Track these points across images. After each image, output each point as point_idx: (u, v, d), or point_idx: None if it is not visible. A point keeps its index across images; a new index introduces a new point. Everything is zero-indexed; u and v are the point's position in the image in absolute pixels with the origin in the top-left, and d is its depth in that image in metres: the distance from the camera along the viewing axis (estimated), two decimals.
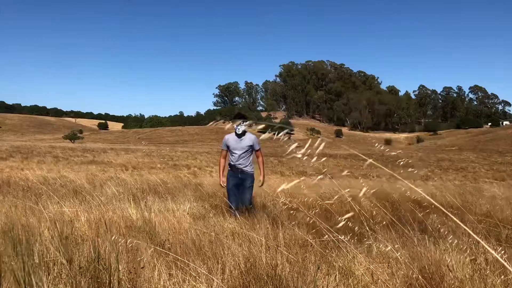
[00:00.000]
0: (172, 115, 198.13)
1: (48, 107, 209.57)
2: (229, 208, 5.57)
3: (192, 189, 8.72)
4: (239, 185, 5.89)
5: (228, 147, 5.98)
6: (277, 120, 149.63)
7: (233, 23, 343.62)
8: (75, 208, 5.04)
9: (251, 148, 5.94)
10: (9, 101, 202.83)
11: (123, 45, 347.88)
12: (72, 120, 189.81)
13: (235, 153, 5.91)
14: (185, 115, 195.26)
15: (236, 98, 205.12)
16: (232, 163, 5.96)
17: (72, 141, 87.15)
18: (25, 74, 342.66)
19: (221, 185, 6.10)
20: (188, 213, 5.21)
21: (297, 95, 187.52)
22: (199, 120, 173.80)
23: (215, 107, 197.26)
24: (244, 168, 5.90)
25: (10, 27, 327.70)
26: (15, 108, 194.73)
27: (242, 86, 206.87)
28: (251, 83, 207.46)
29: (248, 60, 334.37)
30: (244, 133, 5.93)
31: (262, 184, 5.97)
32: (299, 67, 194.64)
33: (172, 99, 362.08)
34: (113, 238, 2.81)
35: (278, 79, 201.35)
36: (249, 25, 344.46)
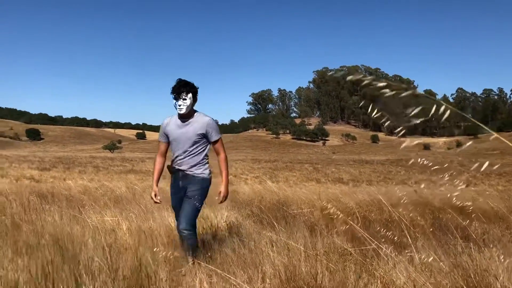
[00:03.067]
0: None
1: (88, 118, 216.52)
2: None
3: (228, 197, 8.78)
4: (181, 199, 3.73)
5: (167, 136, 3.79)
6: (311, 127, 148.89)
7: (264, 30, 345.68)
8: (117, 217, 5.17)
9: (204, 139, 3.69)
10: (52, 114, 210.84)
11: (158, 56, 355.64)
12: (111, 130, 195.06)
13: (177, 147, 3.70)
14: (220, 123, 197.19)
15: (270, 105, 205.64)
16: (172, 163, 3.76)
17: (111, 151, 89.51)
18: (66, 87, 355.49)
19: (152, 199, 3.81)
20: (225, 221, 5.25)
21: (331, 100, 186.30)
22: (233, 128, 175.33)
23: (248, 115, 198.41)
24: (188, 172, 3.66)
25: (47, 44, 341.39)
26: (57, 120, 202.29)
27: (275, 93, 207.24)
28: (284, 90, 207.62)
29: (280, 67, 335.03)
30: (191, 113, 3.69)
31: (223, 199, 3.74)
32: (333, 72, 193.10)
33: (207, 108, 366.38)
34: (155, 248, 2.87)
35: (311, 85, 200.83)
36: (281, 31, 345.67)
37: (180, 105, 3.60)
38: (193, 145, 3.67)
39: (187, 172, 3.66)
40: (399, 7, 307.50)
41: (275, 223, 4.62)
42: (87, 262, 2.81)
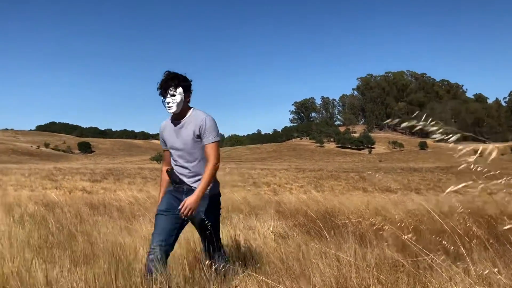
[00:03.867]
0: (250, 133, 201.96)
1: (136, 131, 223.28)
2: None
3: (274, 206, 8.77)
4: (177, 212, 2.93)
5: (165, 142, 3.23)
6: (356, 134, 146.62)
7: (307, 38, 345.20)
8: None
9: (198, 140, 3.02)
10: (102, 127, 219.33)
11: (202, 67, 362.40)
12: (158, 142, 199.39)
13: (175, 157, 3.12)
14: (263, 133, 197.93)
15: (313, 114, 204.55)
16: (173, 171, 3.14)
17: (159, 162, 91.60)
18: (114, 101, 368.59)
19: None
20: (272, 232, 5.25)
21: (376, 107, 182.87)
22: (276, 137, 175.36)
23: (291, 124, 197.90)
24: (192, 184, 3.04)
25: (96, 63, 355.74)
26: (106, 133, 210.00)
27: (318, 101, 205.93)
28: (327, 98, 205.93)
29: (323, 75, 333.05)
30: (184, 112, 3.07)
31: (184, 210, 2.86)
32: (378, 79, 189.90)
33: (250, 118, 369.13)
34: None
35: (355, 93, 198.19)
36: (323, 38, 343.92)
37: (169, 102, 2.96)
38: (192, 151, 3.00)
39: (192, 187, 3.00)
40: (445, 9, 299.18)
41: (323, 234, 4.57)
42: (140, 273, 2.89)
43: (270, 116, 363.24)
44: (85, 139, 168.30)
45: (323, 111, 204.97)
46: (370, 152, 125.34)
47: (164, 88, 2.98)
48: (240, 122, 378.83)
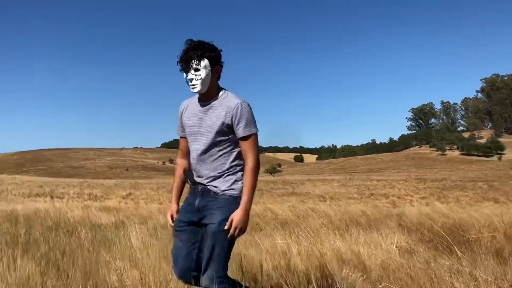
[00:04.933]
0: (364, 143, 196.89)
1: None
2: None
3: (394, 220, 8.41)
4: (197, 226, 2.39)
5: (183, 127, 2.53)
6: (483, 140, 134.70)
7: (420, 39, 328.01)
8: (286, 240, 5.35)
9: (228, 132, 2.34)
10: None
11: (313, 77, 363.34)
12: (271, 155, 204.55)
13: (194, 145, 2.42)
14: (377, 142, 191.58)
15: (432, 120, 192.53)
16: (191, 170, 2.49)
17: (272, 174, 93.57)
18: None
19: (168, 221, 2.58)
20: (396, 246, 5.03)
21: (505, 110, 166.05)
22: (392, 146, 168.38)
23: (409, 132, 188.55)
24: (209, 186, 2.37)
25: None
26: None
27: (437, 106, 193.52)
28: (448, 102, 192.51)
29: (440, 79, 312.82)
30: (213, 92, 2.39)
31: (233, 232, 2.24)
32: (505, 78, 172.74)
33: (363, 127, 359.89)
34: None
35: (479, 95, 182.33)
36: (438, 39, 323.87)
37: (191, 79, 2.31)
38: (215, 141, 2.33)
39: (208, 187, 2.35)
40: None
41: (452, 249, 4.26)
42: (266, 283, 2.97)
43: (385, 124, 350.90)
44: None
45: (444, 117, 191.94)
46: (499, 158, 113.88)
47: (185, 61, 2.32)
48: (353, 132, 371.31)
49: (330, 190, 38.52)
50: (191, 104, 2.48)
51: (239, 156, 2.37)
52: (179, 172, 2.57)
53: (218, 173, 2.33)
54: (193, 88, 2.32)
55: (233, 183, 2.33)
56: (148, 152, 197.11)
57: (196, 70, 2.29)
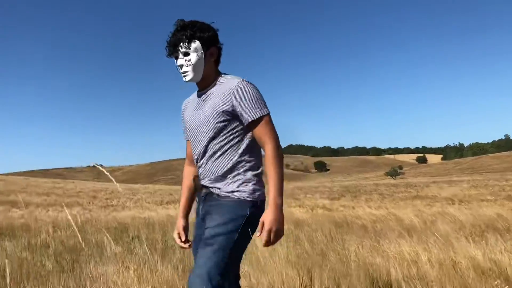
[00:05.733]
0: (496, 139, 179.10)
1: (368, 147, 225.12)
2: None
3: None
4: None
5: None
6: None
7: None
8: (414, 247, 5.10)
9: (236, 122, 1.91)
10: (334, 146, 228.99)
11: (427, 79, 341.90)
12: (391, 156, 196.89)
13: (194, 144, 2.02)
14: (491, 140, 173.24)
15: None
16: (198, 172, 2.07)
17: (393, 177, 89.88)
18: (348, 119, 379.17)
19: (175, 239, 2.14)
20: None
21: None
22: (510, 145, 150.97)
23: None
24: (212, 188, 1.94)
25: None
26: (339, 152, 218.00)
27: None
28: None
29: None
30: (209, 78, 1.98)
31: (267, 239, 1.77)
32: None
33: (494, 122, 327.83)
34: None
35: None
36: None
37: (181, 65, 1.92)
38: (215, 135, 1.91)
39: (211, 189, 1.95)
40: None
41: None
42: None
43: (500, 119, 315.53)
44: (320, 159, 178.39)
45: None
46: None
47: (172, 44, 1.92)
48: (482, 128, 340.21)
49: (459, 192, 35.65)
50: (191, 100, 2.12)
51: (249, 149, 1.92)
52: (186, 181, 2.19)
53: (223, 172, 1.90)
54: (184, 76, 1.93)
55: (241, 184, 1.88)
56: None
57: (186, 54, 1.90)
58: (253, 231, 1.87)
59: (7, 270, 2.62)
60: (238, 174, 1.89)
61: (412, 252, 4.79)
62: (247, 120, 1.86)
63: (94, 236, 7.23)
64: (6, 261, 2.89)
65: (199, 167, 1.99)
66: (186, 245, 2.09)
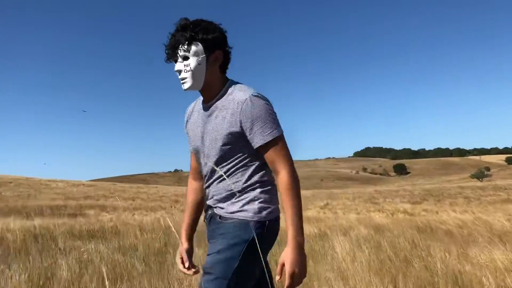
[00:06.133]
0: None
1: (451, 148, 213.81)
2: None
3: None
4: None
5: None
6: None
7: None
8: (507, 255, 4.77)
9: (239, 141, 1.67)
10: (414, 147, 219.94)
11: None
12: (476, 158, 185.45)
13: (200, 161, 1.82)
14: None
15: None
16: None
17: (480, 179, 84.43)
18: (430, 119, 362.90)
19: (178, 265, 1.89)
20: None
21: None
22: None
23: None
24: (216, 209, 1.75)
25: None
26: (420, 154, 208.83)
27: None
28: None
29: None
30: (215, 89, 1.73)
31: (287, 275, 1.55)
32: None
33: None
34: None
35: None
36: None
37: (179, 71, 1.68)
38: (221, 159, 1.71)
39: (215, 211, 1.76)
40: None
41: None
42: None
43: None
44: (399, 161, 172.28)
45: None
46: None
47: (171, 47, 1.67)
48: None
49: None
50: (195, 109, 1.86)
51: (259, 169, 1.71)
52: (190, 197, 1.96)
53: (229, 192, 1.70)
54: (183, 83, 1.68)
55: (247, 202, 1.67)
56: (341, 162, 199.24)
57: (185, 58, 1.65)
58: (265, 252, 1.69)
59: (104, 271, 2.82)
60: (245, 192, 1.68)
61: (506, 260, 4.48)
62: (256, 144, 1.64)
63: (177, 240, 7.53)
64: (102, 262, 3.11)
65: (206, 188, 1.81)
66: (191, 272, 1.84)
